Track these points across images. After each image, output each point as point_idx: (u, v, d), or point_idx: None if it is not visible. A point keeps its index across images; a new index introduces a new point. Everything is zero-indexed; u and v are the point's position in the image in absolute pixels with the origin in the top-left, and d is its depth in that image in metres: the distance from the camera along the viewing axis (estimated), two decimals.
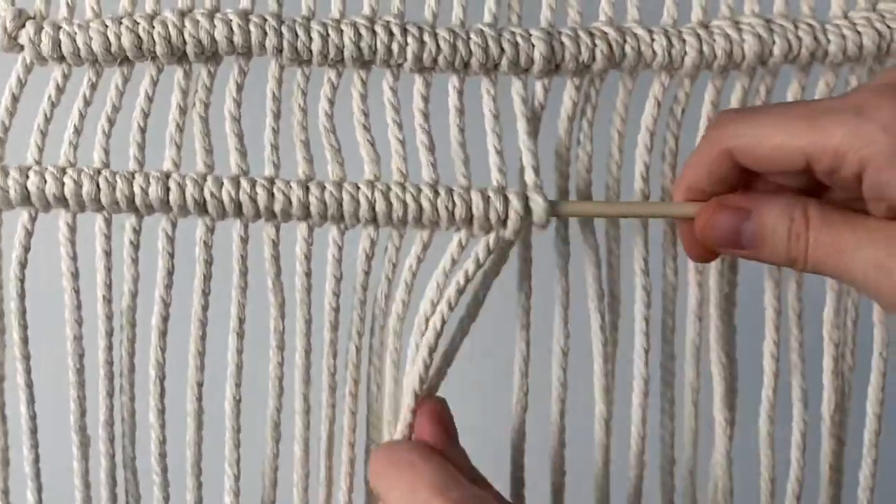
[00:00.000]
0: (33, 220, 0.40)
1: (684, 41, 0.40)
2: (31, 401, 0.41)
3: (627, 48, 0.40)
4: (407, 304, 0.41)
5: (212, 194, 0.39)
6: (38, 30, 0.40)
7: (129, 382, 0.42)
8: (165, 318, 0.41)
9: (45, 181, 0.39)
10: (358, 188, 0.39)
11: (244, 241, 0.40)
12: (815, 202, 0.36)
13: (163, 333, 0.41)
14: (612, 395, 0.43)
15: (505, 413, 0.43)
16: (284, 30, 0.40)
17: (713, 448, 0.44)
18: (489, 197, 0.39)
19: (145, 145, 0.40)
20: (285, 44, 0.40)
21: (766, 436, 0.44)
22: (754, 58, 0.40)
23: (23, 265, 0.40)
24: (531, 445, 0.43)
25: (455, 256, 0.40)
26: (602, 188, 0.42)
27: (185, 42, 0.39)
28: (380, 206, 0.39)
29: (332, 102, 0.40)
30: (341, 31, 0.40)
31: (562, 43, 0.40)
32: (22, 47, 0.40)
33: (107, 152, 0.40)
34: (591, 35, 0.40)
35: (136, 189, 0.39)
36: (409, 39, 0.40)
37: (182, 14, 0.40)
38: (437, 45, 0.40)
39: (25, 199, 0.40)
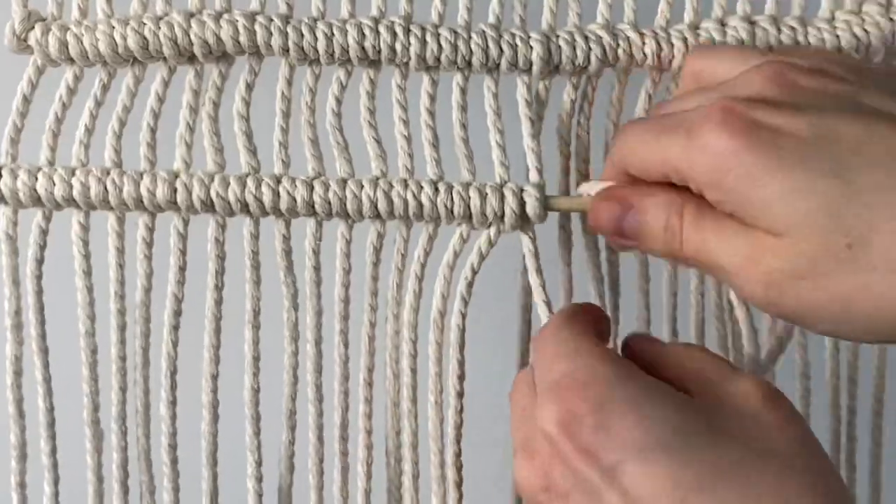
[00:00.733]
0: (47, 218, 0.41)
1: (672, 45, 0.42)
2: (48, 394, 0.42)
3: (620, 51, 0.42)
4: (419, 293, 0.42)
5: (218, 194, 0.40)
6: (46, 31, 0.40)
7: (143, 376, 0.43)
8: (178, 314, 0.42)
9: (54, 183, 0.40)
10: (361, 186, 0.41)
11: (255, 237, 0.42)
12: (694, 203, 0.36)
13: (174, 328, 0.42)
14: None
15: None
16: (290, 30, 0.41)
17: None
18: (486, 194, 0.41)
19: (155, 145, 0.41)
20: (291, 44, 0.41)
21: None
22: None
23: (39, 262, 0.41)
24: None
25: (458, 249, 0.42)
26: None
27: (191, 43, 0.40)
28: (382, 204, 0.41)
29: (339, 101, 0.42)
30: (346, 31, 0.41)
31: (559, 46, 0.42)
32: (32, 49, 0.40)
33: (117, 152, 0.41)
34: (587, 38, 0.42)
35: (144, 191, 0.40)
36: (412, 39, 0.41)
37: (189, 15, 0.41)
38: (439, 45, 0.41)
39: (36, 199, 0.40)
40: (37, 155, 0.41)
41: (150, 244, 0.42)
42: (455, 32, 0.41)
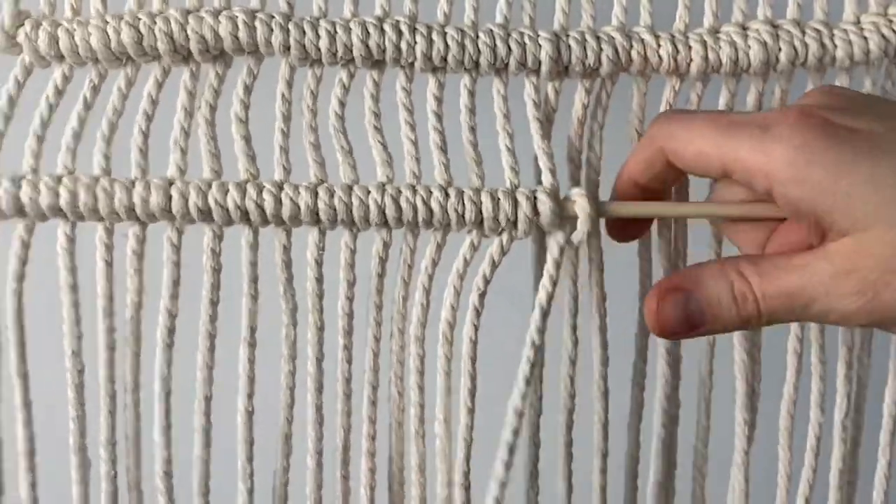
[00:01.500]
0: (30, 231, 0.38)
1: (690, 48, 0.41)
2: (28, 422, 0.39)
3: (634, 53, 0.40)
4: (426, 307, 0.40)
5: (216, 202, 0.38)
6: (36, 27, 0.38)
7: (134, 400, 0.40)
8: (171, 331, 0.39)
9: (39, 192, 0.38)
10: (368, 192, 0.38)
11: (253, 247, 0.39)
12: (744, 259, 0.37)
13: (168, 346, 0.39)
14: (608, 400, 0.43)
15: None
16: (292, 27, 0.39)
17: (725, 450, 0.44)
18: (499, 199, 0.39)
19: (147, 150, 0.39)
20: (292, 41, 0.39)
21: (785, 432, 0.44)
22: (760, 64, 0.41)
23: (20, 278, 0.38)
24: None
25: (468, 258, 0.40)
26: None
27: (188, 38, 0.38)
28: (390, 211, 0.38)
29: (342, 104, 0.40)
30: (349, 29, 0.39)
31: (569, 46, 0.40)
32: (21, 48, 0.38)
33: (107, 158, 0.39)
34: (598, 39, 0.40)
35: (137, 199, 0.38)
36: (418, 38, 0.39)
37: (187, 11, 0.39)
38: (446, 44, 0.39)
39: (20, 209, 0.38)
40: (20, 162, 0.38)
41: (140, 256, 0.39)
42: (462, 31, 0.40)
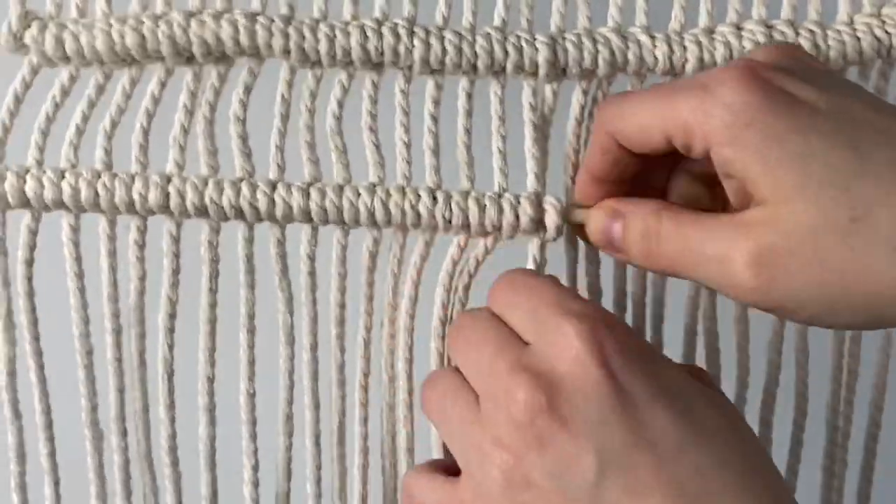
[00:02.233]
0: (36, 220, 0.40)
1: (685, 48, 0.40)
2: (44, 395, 0.42)
3: (630, 54, 0.40)
4: (415, 298, 0.41)
5: (212, 200, 0.39)
6: (43, 29, 0.39)
7: (140, 378, 0.42)
8: (172, 316, 0.41)
9: (43, 185, 0.39)
10: (358, 195, 0.39)
11: (249, 241, 0.41)
12: (676, 206, 0.37)
13: (170, 331, 0.42)
14: None
15: None
16: (291, 31, 0.39)
17: None
18: (485, 205, 0.40)
19: (148, 147, 0.40)
20: (292, 45, 0.39)
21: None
22: None
23: (29, 264, 0.41)
24: None
25: (456, 258, 0.41)
26: None
27: (190, 42, 0.39)
28: (379, 214, 0.40)
29: (341, 105, 0.40)
30: (348, 33, 0.39)
31: (565, 49, 0.40)
32: (28, 49, 0.39)
33: (108, 153, 0.40)
34: (594, 41, 0.40)
35: (136, 195, 0.39)
36: (416, 41, 0.40)
37: (189, 15, 0.39)
38: (443, 48, 0.40)
39: (24, 201, 0.40)
40: (25, 156, 0.40)
41: (142, 247, 0.41)
42: (460, 35, 0.40)
